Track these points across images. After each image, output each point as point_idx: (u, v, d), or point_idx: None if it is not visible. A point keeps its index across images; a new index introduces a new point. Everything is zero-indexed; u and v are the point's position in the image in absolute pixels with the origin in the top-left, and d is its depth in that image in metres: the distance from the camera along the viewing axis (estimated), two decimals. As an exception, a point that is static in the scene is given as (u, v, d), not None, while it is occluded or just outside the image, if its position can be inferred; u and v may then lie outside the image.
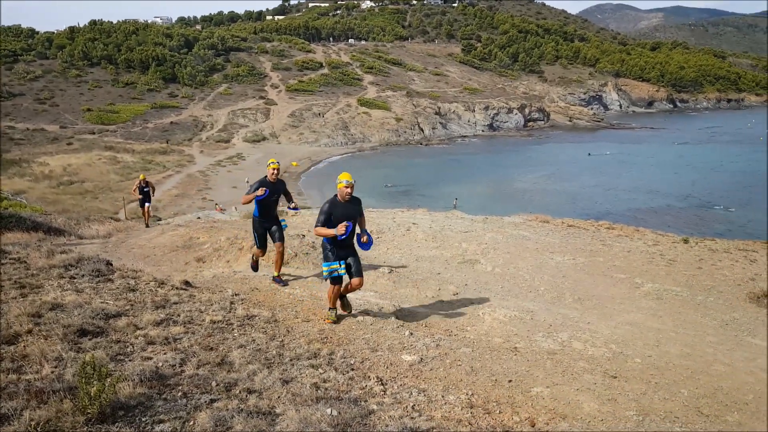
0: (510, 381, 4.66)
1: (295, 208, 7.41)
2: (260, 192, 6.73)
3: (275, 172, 6.98)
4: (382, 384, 4.33)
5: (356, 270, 5.74)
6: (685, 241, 11.85)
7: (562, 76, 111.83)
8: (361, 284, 5.81)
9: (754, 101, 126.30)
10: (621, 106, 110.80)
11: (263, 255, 7.47)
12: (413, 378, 4.56)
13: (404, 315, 6.18)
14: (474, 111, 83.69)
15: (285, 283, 7.16)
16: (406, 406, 3.98)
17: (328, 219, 5.46)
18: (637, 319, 6.61)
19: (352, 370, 4.53)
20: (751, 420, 4.23)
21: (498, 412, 4.12)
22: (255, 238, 7.29)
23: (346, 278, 5.79)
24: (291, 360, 4.54)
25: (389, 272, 8.02)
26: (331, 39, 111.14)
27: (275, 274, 7.28)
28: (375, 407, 3.86)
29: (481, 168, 51.34)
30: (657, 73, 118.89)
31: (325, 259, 5.70)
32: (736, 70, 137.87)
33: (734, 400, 4.56)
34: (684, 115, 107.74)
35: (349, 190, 5.54)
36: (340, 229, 5.31)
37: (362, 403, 3.89)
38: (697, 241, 12.16)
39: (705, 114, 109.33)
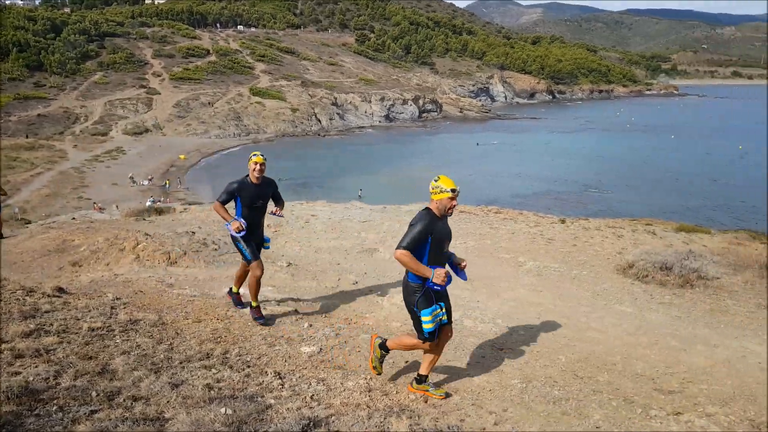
0: (407, 362, 4.81)
1: (278, 215, 5.68)
2: (234, 228, 5.21)
3: (261, 168, 5.29)
4: (280, 378, 4.29)
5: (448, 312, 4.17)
6: (562, 222, 12.85)
7: (452, 68, 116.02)
8: (450, 335, 4.27)
9: (621, 92, 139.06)
10: (506, 98, 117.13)
11: (262, 271, 5.51)
12: (312, 369, 4.57)
13: (304, 307, 6.14)
14: (371, 102, 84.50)
15: (243, 305, 5.76)
16: (305, 397, 3.98)
17: None
18: (521, 295, 7.08)
19: (249, 367, 4.44)
20: (619, 378, 4.70)
21: (395, 392, 4.24)
22: (243, 250, 5.39)
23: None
24: (181, 363, 4.35)
25: (287, 266, 7.93)
26: (218, 25, 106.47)
27: (235, 289, 5.86)
28: (272, 401, 3.82)
29: (381, 158, 52.09)
30: (537, 66, 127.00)
31: (425, 303, 3.93)
32: (606, 63, 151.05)
33: (605, 362, 5.04)
34: (562, 105, 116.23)
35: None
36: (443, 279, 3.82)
37: (259, 398, 3.83)
38: (573, 221, 13.23)
39: (579, 104, 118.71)
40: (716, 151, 54.36)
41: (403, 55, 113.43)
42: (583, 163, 48.08)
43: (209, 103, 70.39)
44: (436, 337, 4.03)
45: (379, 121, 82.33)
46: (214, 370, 4.26)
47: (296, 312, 5.90)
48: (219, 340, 4.99)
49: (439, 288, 3.84)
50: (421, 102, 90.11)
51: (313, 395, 4.03)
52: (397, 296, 6.63)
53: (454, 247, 9.66)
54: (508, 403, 4.15)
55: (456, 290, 7.18)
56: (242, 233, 5.27)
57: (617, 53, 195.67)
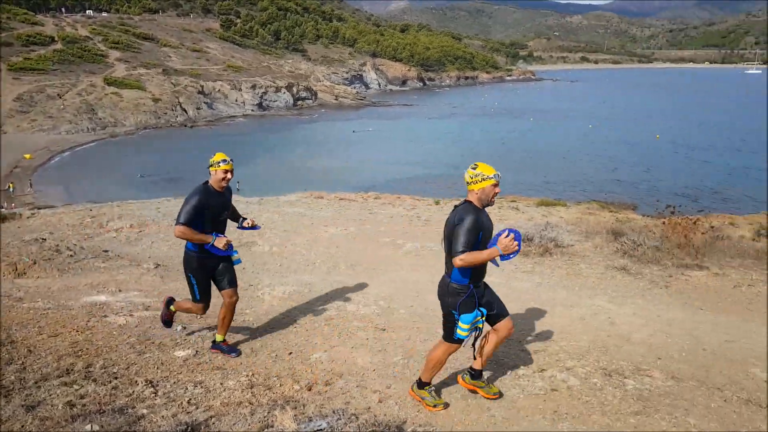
0: (290, 353, 4.75)
1: (252, 227, 4.75)
2: (223, 246, 4.31)
3: (230, 177, 4.40)
4: (153, 386, 4.03)
5: (500, 310, 3.89)
6: (437, 203, 13.44)
7: (324, 55, 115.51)
8: (511, 329, 3.99)
9: (485, 78, 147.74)
10: (380, 85, 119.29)
11: (205, 312, 4.71)
12: (189, 373, 4.34)
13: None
14: (241, 90, 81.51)
15: (237, 352, 4.72)
16: (181, 402, 3.78)
17: None
18: (401, 276, 7.30)
19: (116, 378, 4.11)
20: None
21: (279, 385, 4.17)
22: (192, 285, 4.50)
23: None
24: (36, 382, 3.92)
25: (155, 267, 7.44)
26: (63, 10, 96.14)
27: (219, 338, 4.70)
28: (145, 411, 3.58)
29: (256, 148, 50.54)
30: (408, 53, 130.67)
31: (467, 308, 3.63)
32: (470, 51, 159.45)
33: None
34: (432, 92, 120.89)
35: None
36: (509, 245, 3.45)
37: (129, 410, 3.57)
38: (447, 202, 13.90)
39: (447, 91, 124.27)
40: (570, 130, 59.80)
41: (273, 42, 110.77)
42: (455, 147, 50.52)
43: (57, 95, 63.48)
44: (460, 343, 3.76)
45: (252, 110, 79.82)
46: (76, 386, 3.88)
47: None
48: (80, 353, 4.56)
49: (514, 255, 3.51)
50: (295, 90, 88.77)
51: (190, 399, 3.84)
52: (278, 288, 6.52)
53: (335, 234, 9.71)
54: (392, 380, 4.26)
55: (338, 277, 7.24)
56: (230, 250, 4.41)
57: (480, 41, 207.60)
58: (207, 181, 4.38)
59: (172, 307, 4.82)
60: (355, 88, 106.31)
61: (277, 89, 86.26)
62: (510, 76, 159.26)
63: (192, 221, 4.21)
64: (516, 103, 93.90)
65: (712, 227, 12.31)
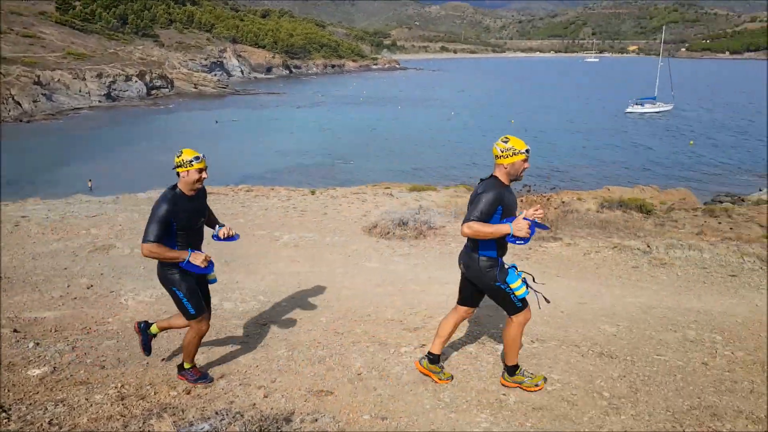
0: (164, 359, 4.46)
1: (229, 238, 4.06)
2: (201, 263, 3.68)
3: (204, 175, 3.80)
4: (5, 411, 3.56)
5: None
6: (312, 193, 13.36)
7: (179, 41, 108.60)
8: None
9: (352, 66, 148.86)
10: (243, 72, 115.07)
11: (208, 326, 4.00)
12: (47, 392, 3.89)
13: (25, 325, 5.15)
14: (85, 80, 73.89)
15: (209, 379, 4.10)
16: (41, 425, 3.39)
17: None
18: (280, 268, 7.16)
19: (-46, 410, 3.56)
20: (374, 327, 5.12)
21: (154, 393, 3.90)
22: (180, 300, 3.78)
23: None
24: None
25: (-4, 279, 6.53)
26: None
27: (187, 364, 4.05)
28: (-6, 443, 3.14)
29: (108, 143, 46.21)
30: (271, 40, 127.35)
31: (505, 273, 3.61)
32: (335, 39, 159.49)
33: (360, 315, 5.44)
34: (299, 80, 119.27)
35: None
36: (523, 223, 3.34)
37: (-26, 444, 3.11)
38: (322, 192, 13.87)
39: (315, 79, 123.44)
40: (434, 118, 62.49)
41: (120, 26, 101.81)
42: (326, 136, 50.46)
43: None
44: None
45: (99, 101, 72.73)
46: None
47: (15, 332, 4.93)
48: None
49: (522, 242, 3.39)
50: (148, 78, 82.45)
51: (51, 420, 3.45)
52: (144, 292, 6.06)
53: (205, 230, 9.24)
54: (276, 373, 4.18)
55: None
56: (210, 268, 3.80)
57: (344, 29, 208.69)
58: (175, 186, 3.73)
59: (152, 330, 4.17)
60: (216, 75, 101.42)
61: (128, 78, 79.51)
62: (376, 64, 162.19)
63: (161, 236, 3.56)
64: (383, 91, 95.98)
65: (563, 202, 13.66)
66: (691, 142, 45.18)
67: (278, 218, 10.25)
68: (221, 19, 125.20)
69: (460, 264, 3.81)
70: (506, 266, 3.66)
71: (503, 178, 3.53)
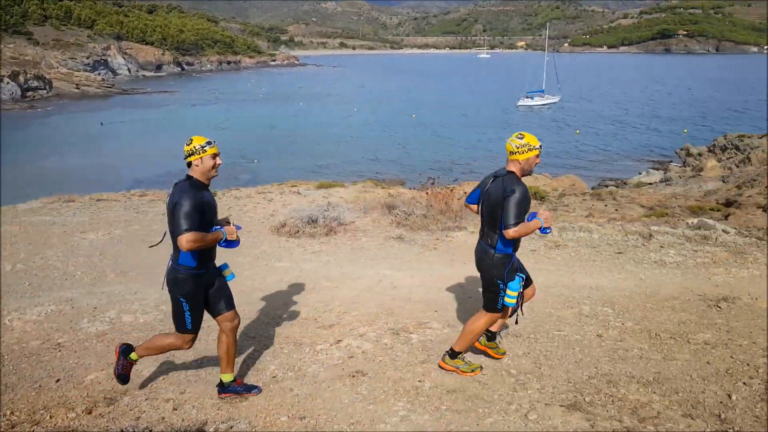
0: (58, 380, 4.11)
1: (231, 243, 3.65)
2: (236, 237, 3.55)
3: (219, 161, 3.55)
4: None
5: (528, 275, 4.10)
6: (214, 194, 12.86)
7: (57, 38, 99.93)
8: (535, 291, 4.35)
9: (249, 63, 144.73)
10: (130, 71, 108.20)
11: (193, 343, 3.79)
12: None
13: None
14: (-55, 80, 65.99)
15: (258, 389, 3.87)
16: None
17: None
18: (183, 275, 6.82)
19: None
20: (288, 327, 5.03)
21: (49, 417, 3.59)
22: (184, 312, 3.56)
23: None
24: None
25: None
26: None
27: (227, 377, 3.78)
28: None
29: (-25, 151, 41.56)
30: (159, 36, 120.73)
31: (512, 276, 3.77)
32: (229, 35, 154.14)
33: (273, 317, 5.33)
34: (192, 77, 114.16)
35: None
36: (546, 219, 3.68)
37: None
38: (225, 192, 13.38)
39: (210, 76, 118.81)
40: (336, 114, 62.43)
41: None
42: (226, 135, 48.71)
43: None
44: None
45: (-33, 105, 65.36)
46: None
47: None
48: None
49: (548, 231, 3.73)
50: (22, 79, 75.17)
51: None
52: (30, 311, 5.54)
53: (96, 240, 8.58)
54: (185, 384, 3.99)
55: (106, 287, 6.45)
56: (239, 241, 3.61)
57: (238, 24, 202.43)
58: (189, 177, 3.46)
59: (133, 356, 3.77)
60: (99, 74, 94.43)
61: (-1, 78, 71.99)
62: (274, 61, 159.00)
63: (197, 225, 3.30)
64: (283, 87, 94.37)
65: (466, 193, 14.14)
66: (577, 131, 48.66)
67: (179, 223, 9.76)
68: (103, 15, 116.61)
69: (475, 257, 4.00)
70: (516, 268, 3.83)
71: (518, 173, 3.66)
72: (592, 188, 23.76)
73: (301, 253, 7.78)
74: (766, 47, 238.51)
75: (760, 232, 9.46)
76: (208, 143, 3.47)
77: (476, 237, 8.69)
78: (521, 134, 3.66)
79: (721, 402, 3.67)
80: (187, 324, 3.60)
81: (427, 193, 10.61)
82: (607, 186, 26.18)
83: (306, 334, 4.87)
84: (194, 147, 3.44)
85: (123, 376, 3.75)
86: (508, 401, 3.71)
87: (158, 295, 6.02)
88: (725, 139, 34.43)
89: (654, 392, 3.81)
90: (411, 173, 30.62)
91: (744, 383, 3.91)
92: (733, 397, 3.71)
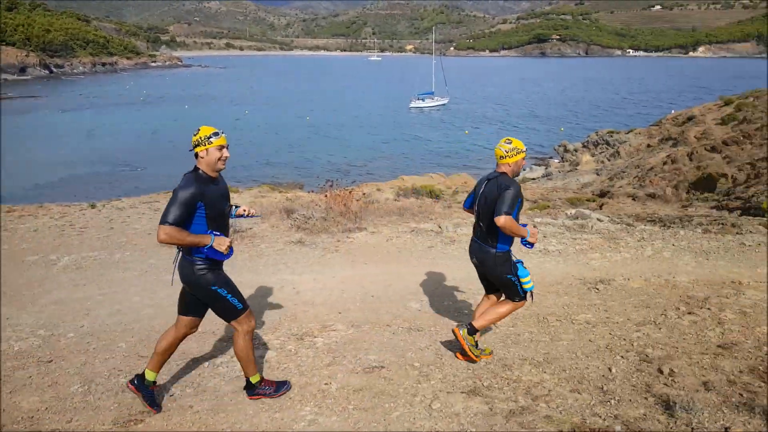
0: None
1: (250, 215, 3.87)
2: (225, 249, 3.34)
3: (226, 153, 3.42)
4: None
5: None
6: (93, 207, 11.90)
7: None
8: None
9: (126, 64, 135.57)
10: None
11: (253, 317, 3.68)
12: None
13: None
14: None
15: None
16: None
17: None
18: (62, 296, 6.26)
19: None
20: (184, 342, 4.76)
21: None
22: (226, 298, 3.45)
23: None
24: None
25: None
26: None
27: (255, 379, 3.72)
28: None
29: None
30: (22, 36, 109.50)
31: (515, 269, 4.09)
32: (103, 35, 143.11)
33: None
34: (63, 81, 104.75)
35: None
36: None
37: None
38: (105, 204, 12.45)
39: (83, 78, 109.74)
40: (226, 117, 60.24)
41: None
42: (104, 142, 45.27)
43: None
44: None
45: None
46: None
47: None
48: None
49: (530, 246, 4.00)
50: None
51: None
52: None
53: None
54: (72, 413, 3.66)
55: (-29, 313, 5.74)
56: (230, 254, 3.41)
57: (112, 24, 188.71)
58: (196, 168, 3.36)
59: (254, 379, 3.73)
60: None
61: None
62: (155, 62, 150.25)
63: (180, 221, 3.16)
64: (166, 90, 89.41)
65: (364, 194, 14.32)
66: (466, 131, 50.97)
67: (53, 239, 8.92)
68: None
69: (472, 258, 4.20)
70: (514, 260, 4.09)
71: (510, 175, 3.97)
72: (482, 185, 24.93)
73: (195, 264, 7.43)
74: (628, 50, 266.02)
75: (629, 219, 10.51)
76: (215, 134, 3.37)
77: (376, 237, 8.82)
78: (509, 140, 3.98)
79: (603, 375, 4.02)
80: (237, 306, 3.51)
81: (326, 196, 10.60)
82: (495, 182, 27.61)
83: (204, 348, 4.66)
84: (200, 137, 3.35)
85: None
86: (412, 393, 3.80)
87: (34, 319, 5.48)
88: (597, 135, 37.86)
89: (545, 372, 4.10)
90: (308, 176, 30.39)
91: (621, 356, 4.32)
92: (613, 370, 4.08)
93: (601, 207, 14.89)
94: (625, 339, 4.67)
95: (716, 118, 28.11)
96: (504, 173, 3.96)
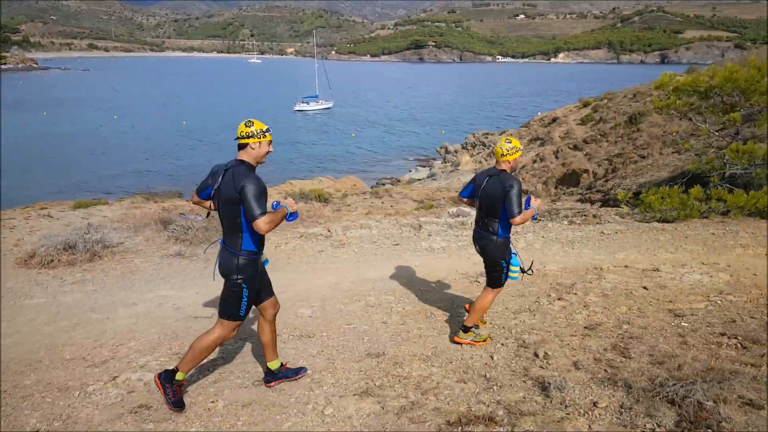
0: None
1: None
2: (293, 208, 3.55)
3: (270, 148, 3.56)
4: None
5: None
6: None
7: None
8: None
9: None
10: None
11: (235, 333, 3.67)
12: None
13: None
14: None
15: (304, 369, 4.14)
16: None
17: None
18: None
19: None
20: (48, 372, 4.32)
21: None
22: (242, 299, 3.52)
23: None
24: None
25: None
26: None
27: (275, 365, 3.95)
28: None
29: None
30: None
31: (509, 256, 4.43)
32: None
33: (29, 363, 4.50)
34: None
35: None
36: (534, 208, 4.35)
37: None
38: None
39: None
40: (92, 123, 55.48)
41: None
42: (-59, 153, 39.64)
43: None
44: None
45: None
46: None
47: None
48: None
49: (536, 217, 4.50)
50: None
51: None
52: None
53: None
54: None
55: None
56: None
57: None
58: (242, 161, 3.46)
59: (179, 376, 3.65)
60: None
61: None
62: (5, 64, 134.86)
63: (265, 207, 3.36)
64: (19, 94, 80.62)
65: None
66: (353, 134, 51.43)
67: None
68: None
69: (476, 245, 4.52)
70: (512, 249, 4.45)
71: (509, 171, 4.31)
72: (372, 187, 25.35)
73: (58, 285, 6.74)
74: (498, 57, 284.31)
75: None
76: (268, 130, 3.52)
77: (264, 244, 8.57)
78: (508, 139, 4.34)
79: (486, 363, 4.24)
80: (241, 311, 3.56)
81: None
82: (384, 184, 28.22)
83: (73, 376, 4.24)
84: (255, 130, 3.44)
85: (178, 402, 3.62)
86: (304, 402, 3.74)
87: None
88: (474, 136, 40.00)
89: (433, 365, 4.23)
90: (187, 184, 28.89)
91: (502, 344, 4.59)
92: (495, 358, 4.32)
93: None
94: (504, 327, 4.96)
95: (577, 118, 30.99)
96: (504, 170, 4.31)
